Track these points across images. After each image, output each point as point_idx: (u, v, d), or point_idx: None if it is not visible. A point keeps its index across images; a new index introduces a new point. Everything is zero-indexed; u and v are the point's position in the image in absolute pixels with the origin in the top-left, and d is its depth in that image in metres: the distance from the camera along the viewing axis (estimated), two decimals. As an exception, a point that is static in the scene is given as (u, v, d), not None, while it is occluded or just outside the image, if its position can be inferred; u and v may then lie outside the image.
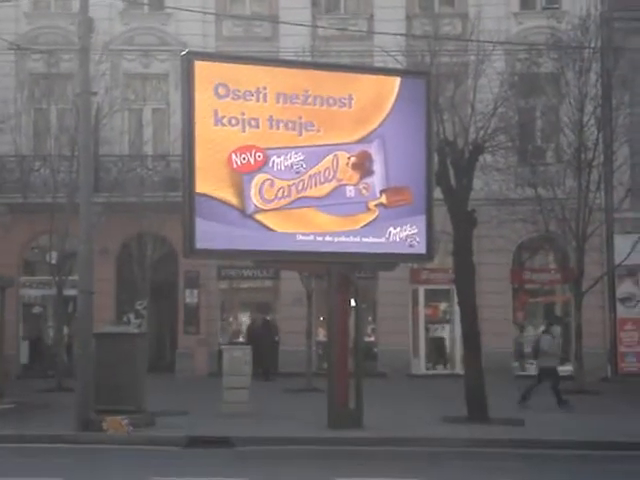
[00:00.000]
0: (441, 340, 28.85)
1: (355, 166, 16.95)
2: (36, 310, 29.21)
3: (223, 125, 16.20)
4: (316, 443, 15.64)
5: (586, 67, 23.88)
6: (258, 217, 16.34)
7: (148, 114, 28.66)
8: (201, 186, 16.02)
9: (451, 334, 28.20)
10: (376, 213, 17.01)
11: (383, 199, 17.06)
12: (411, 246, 17.26)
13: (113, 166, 27.19)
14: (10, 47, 24.96)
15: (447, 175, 18.60)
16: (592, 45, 24.01)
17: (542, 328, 24.35)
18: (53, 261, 25.15)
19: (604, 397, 22.55)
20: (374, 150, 17.08)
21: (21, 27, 28.30)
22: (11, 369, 24.93)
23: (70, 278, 23.91)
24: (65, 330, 26.69)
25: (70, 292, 23.41)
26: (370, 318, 28.27)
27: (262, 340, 26.43)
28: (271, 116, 16.50)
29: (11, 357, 25.54)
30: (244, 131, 16.34)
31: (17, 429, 16.56)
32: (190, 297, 28.40)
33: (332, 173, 16.79)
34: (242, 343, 26.55)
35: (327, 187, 16.77)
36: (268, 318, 28.37)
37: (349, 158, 16.88)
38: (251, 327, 28.23)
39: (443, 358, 28.56)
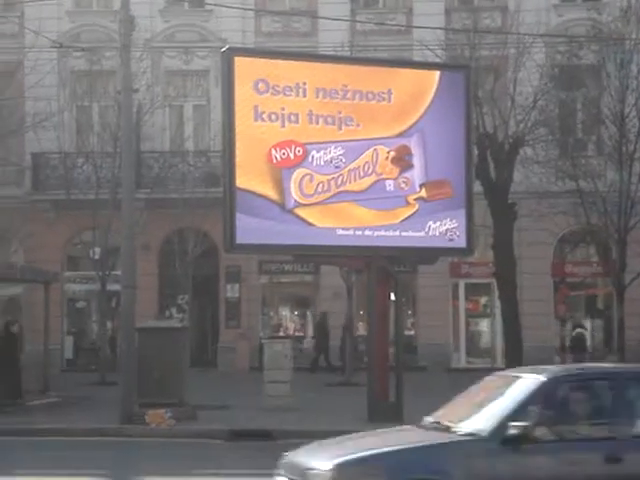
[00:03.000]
0: (481, 334, 28.81)
1: (394, 160, 16.98)
2: (80, 305, 29.54)
3: (263, 120, 16.30)
4: (357, 436, 15.69)
5: (627, 59, 23.66)
6: (298, 212, 16.42)
7: (189, 110, 28.85)
8: (241, 181, 16.14)
9: (492, 328, 28.13)
10: (416, 207, 17.03)
11: (423, 193, 17.08)
12: (451, 240, 17.25)
13: (154, 162, 27.40)
14: (53, 45, 25.20)
15: (487, 168, 18.63)
16: (633, 36, 23.80)
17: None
18: (96, 256, 25.40)
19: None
20: (413, 144, 17.09)
21: (63, 25, 28.58)
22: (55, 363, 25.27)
23: (113, 273, 24.16)
24: (109, 325, 26.98)
25: (113, 287, 23.64)
26: (410, 312, 28.28)
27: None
28: (310, 111, 16.58)
29: (55, 351, 25.88)
30: (284, 126, 16.43)
31: (62, 422, 16.78)
32: (231, 291, 28.57)
33: (371, 167, 16.83)
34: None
35: (366, 181, 16.82)
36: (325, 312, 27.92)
37: (388, 152, 16.91)
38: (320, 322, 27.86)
39: (483, 352, 28.51)
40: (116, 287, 21.58)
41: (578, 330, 20.09)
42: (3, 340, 18.98)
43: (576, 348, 19.77)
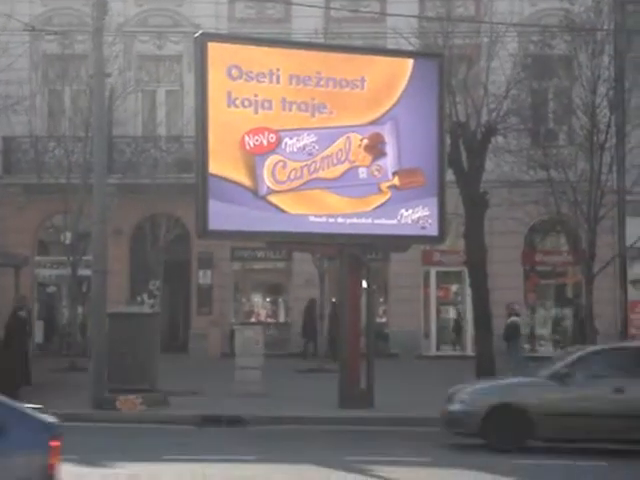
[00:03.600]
0: (452, 322, 28.96)
1: (367, 148, 17.04)
2: (50, 290, 29.42)
3: (236, 107, 16.29)
4: (327, 423, 15.80)
5: (599, 49, 23.75)
6: (271, 198, 16.44)
7: (162, 95, 28.74)
8: (214, 167, 16.13)
9: (462, 316, 28.29)
10: (388, 195, 17.10)
11: (395, 181, 17.15)
12: (423, 228, 17.34)
13: (127, 147, 27.29)
14: (25, 28, 25.05)
15: (459, 157, 18.69)
16: (605, 27, 23.90)
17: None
18: (67, 241, 25.31)
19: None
20: (387, 132, 17.15)
21: (35, 8, 28.35)
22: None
23: (84, 258, 24.04)
24: (79, 310, 26.88)
25: (84, 272, 23.57)
26: (381, 299, 28.37)
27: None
28: (284, 98, 16.59)
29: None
30: (257, 113, 16.43)
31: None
32: (203, 278, 28.55)
33: (344, 155, 16.87)
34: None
35: (339, 169, 16.86)
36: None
37: (361, 140, 16.97)
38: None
39: (454, 339, 28.68)
40: (87, 272, 21.53)
41: (513, 319, 20.25)
42: (11, 326, 18.75)
43: (510, 336, 19.89)
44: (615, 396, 13.35)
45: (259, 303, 29.68)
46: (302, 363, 24.51)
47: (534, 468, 12.57)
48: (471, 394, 14.06)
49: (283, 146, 16.50)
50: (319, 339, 26.60)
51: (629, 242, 25.43)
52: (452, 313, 29.02)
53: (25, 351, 19.03)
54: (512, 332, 19.63)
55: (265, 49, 16.98)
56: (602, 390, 13.44)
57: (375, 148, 17.08)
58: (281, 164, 16.48)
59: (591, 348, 14.63)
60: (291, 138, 16.55)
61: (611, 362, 13.92)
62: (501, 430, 13.38)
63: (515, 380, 14.78)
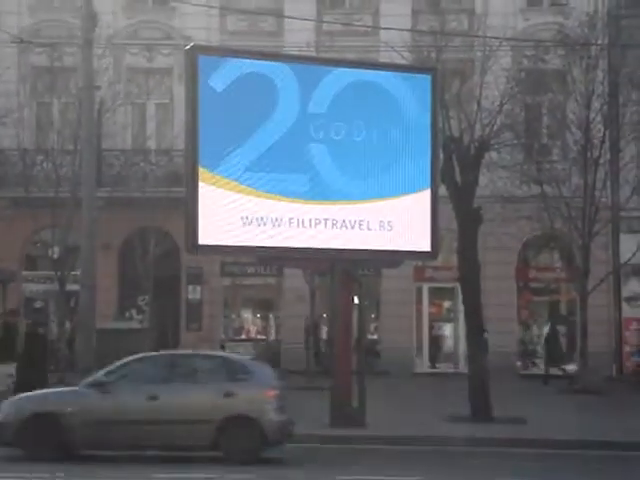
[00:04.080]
0: (445, 338, 28.70)
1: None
2: (38, 305, 29.08)
3: (227, 120, 16.04)
4: (318, 441, 15.51)
5: (593, 64, 23.71)
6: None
7: (151, 108, 28.49)
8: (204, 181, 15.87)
9: (455, 332, 28.03)
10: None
11: (388, 196, 16.91)
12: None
13: (116, 160, 27.02)
14: (13, 40, 24.81)
15: (452, 172, 18.44)
16: (599, 42, 23.83)
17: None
18: (55, 256, 25.02)
19: (608, 396, 22.39)
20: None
21: (24, 20, 28.09)
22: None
23: (72, 273, 23.77)
24: (67, 325, 26.55)
25: (72, 287, 23.25)
26: (373, 316, 28.11)
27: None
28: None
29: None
30: (248, 126, 16.18)
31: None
32: (193, 293, 28.26)
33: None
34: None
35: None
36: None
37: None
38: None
39: (446, 356, 28.41)
40: (75, 287, 21.27)
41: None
42: (29, 343, 18.46)
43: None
44: (150, 403, 13.54)
45: (249, 319, 29.38)
46: (294, 380, 24.11)
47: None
48: (10, 404, 14.23)
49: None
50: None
51: (623, 258, 25.27)
52: (445, 330, 28.74)
53: (44, 369, 18.70)
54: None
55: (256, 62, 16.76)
56: (138, 397, 13.65)
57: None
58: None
59: (132, 357, 14.58)
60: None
61: (148, 370, 14.19)
62: (37, 440, 13.44)
63: (56, 390, 15.19)
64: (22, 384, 17.53)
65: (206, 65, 15.98)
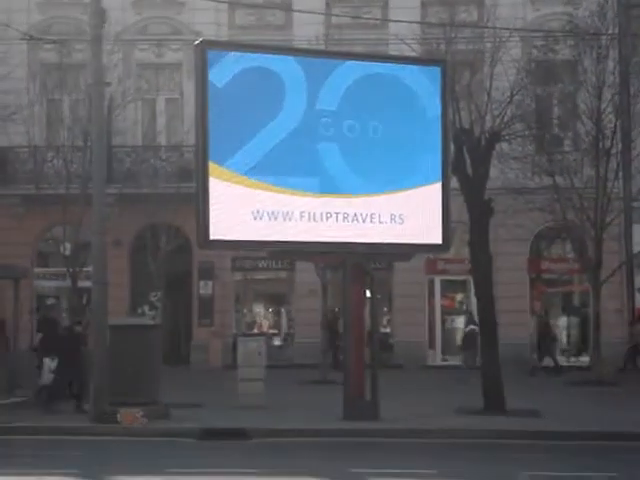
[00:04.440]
0: (457, 331, 28.64)
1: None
2: (50, 301, 29.13)
3: (237, 114, 16.00)
4: (332, 435, 15.51)
5: (604, 54, 23.58)
6: (273, 207, 16.15)
7: (161, 104, 28.51)
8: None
9: (468, 325, 27.93)
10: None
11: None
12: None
13: (126, 157, 27.07)
14: (22, 37, 24.78)
15: (463, 164, 18.36)
16: (610, 32, 23.69)
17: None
18: (67, 252, 25.06)
19: (621, 388, 22.31)
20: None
21: (33, 17, 28.18)
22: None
23: (84, 270, 23.78)
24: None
25: (84, 284, 23.28)
26: (385, 309, 28.09)
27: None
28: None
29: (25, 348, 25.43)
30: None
31: (32, 421, 16.46)
32: (204, 288, 28.27)
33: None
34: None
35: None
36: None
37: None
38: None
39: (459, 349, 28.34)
40: (87, 284, 21.21)
41: (471, 327, 19.85)
42: (68, 340, 18.48)
43: (468, 345, 19.46)
44: None
45: (261, 314, 29.39)
46: (307, 374, 24.09)
47: None
48: None
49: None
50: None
51: (636, 249, 25.20)
52: (457, 322, 28.68)
53: (81, 367, 18.66)
54: (470, 340, 19.19)
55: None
56: None
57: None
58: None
59: None
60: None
61: None
62: None
63: None
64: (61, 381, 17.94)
65: (211, 60, 15.94)
